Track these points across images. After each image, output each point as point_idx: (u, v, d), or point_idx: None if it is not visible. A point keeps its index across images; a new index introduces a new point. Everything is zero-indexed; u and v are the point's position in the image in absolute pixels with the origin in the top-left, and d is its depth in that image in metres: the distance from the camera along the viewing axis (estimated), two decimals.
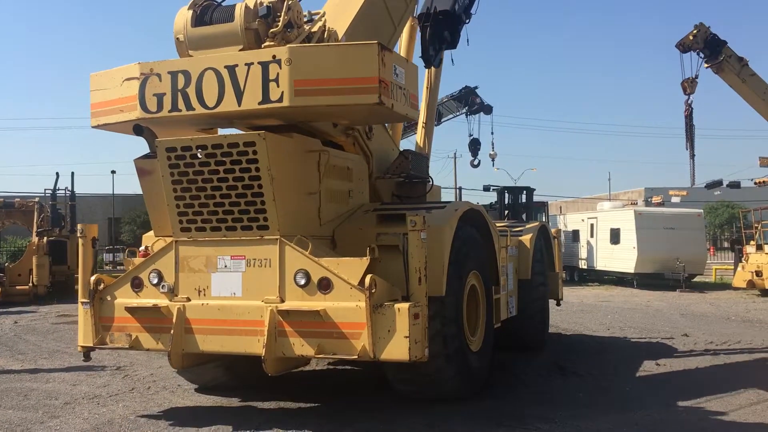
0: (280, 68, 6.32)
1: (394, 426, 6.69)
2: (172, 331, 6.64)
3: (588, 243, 29.23)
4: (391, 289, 6.37)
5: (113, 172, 55.64)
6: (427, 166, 9.69)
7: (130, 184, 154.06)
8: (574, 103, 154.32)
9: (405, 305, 6.11)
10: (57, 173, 27.04)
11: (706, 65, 20.07)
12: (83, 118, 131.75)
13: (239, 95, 6.48)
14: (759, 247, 22.26)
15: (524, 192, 28.48)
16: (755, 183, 44.23)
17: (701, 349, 11.45)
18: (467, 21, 10.58)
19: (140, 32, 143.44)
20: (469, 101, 27.09)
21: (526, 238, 10.82)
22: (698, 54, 20.15)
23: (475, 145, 27.52)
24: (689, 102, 20.46)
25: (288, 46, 6.55)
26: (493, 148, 29.50)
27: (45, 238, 23.13)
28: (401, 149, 9.69)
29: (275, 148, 6.46)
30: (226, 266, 6.71)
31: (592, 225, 29.12)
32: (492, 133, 29.09)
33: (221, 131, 7.71)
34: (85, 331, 7.15)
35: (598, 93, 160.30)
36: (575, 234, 30.53)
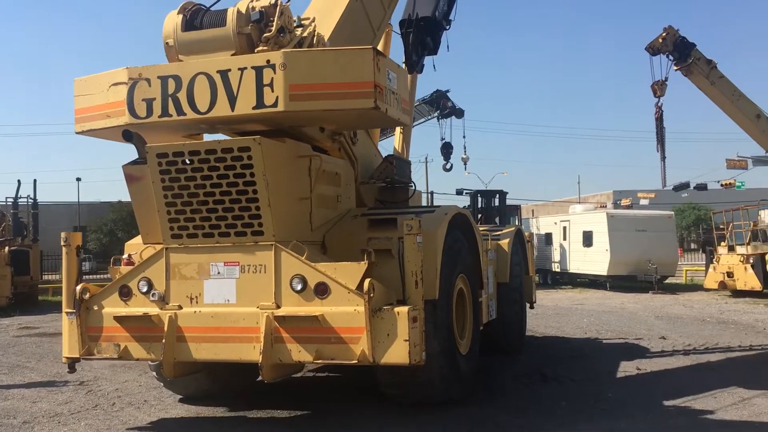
0: (275, 73, 6.29)
1: None
2: (164, 340, 6.49)
3: (561, 246, 29.27)
4: (387, 293, 6.31)
5: (78, 179, 54.33)
6: (409, 171, 9.67)
7: (95, 192, 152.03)
8: (543, 107, 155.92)
9: (404, 309, 6.07)
10: (18, 181, 26.38)
11: (675, 68, 20.17)
12: (46, 125, 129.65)
13: (232, 100, 6.43)
14: (730, 249, 22.43)
15: (497, 195, 28.40)
16: (722, 185, 45.14)
17: (680, 351, 11.37)
18: (447, 27, 10.67)
19: (110, 32, 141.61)
20: (440, 105, 26.98)
21: (504, 242, 10.92)
22: (668, 57, 20.28)
23: (447, 149, 27.41)
24: (659, 105, 20.50)
25: (282, 50, 6.53)
26: (465, 151, 29.47)
27: (6, 248, 22.42)
28: (384, 155, 9.62)
29: (270, 154, 6.41)
30: (219, 273, 6.59)
31: (564, 228, 29.17)
32: (464, 137, 29.09)
33: (206, 137, 7.55)
34: (71, 341, 6.92)
35: (565, 97, 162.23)
36: (548, 237, 30.55)
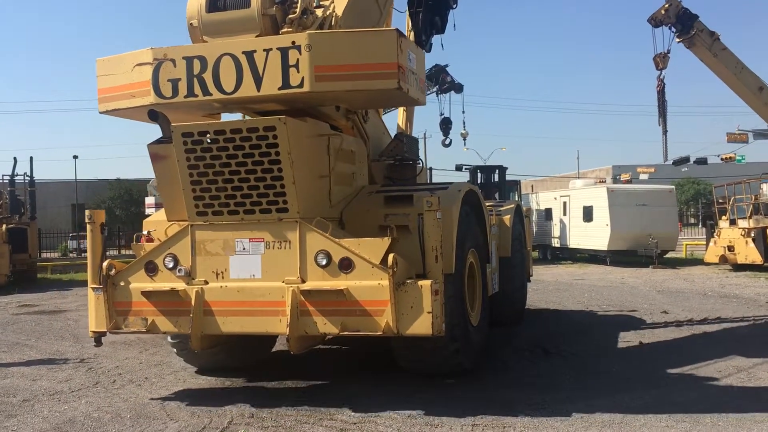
0: (300, 54, 6.44)
1: (377, 419, 6.38)
2: (191, 314, 6.68)
3: (561, 221, 29.20)
4: (408, 267, 6.47)
5: (75, 157, 53.94)
6: (417, 149, 9.77)
7: (93, 170, 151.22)
8: (541, 82, 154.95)
9: (427, 282, 6.26)
10: (15, 158, 26.41)
11: (677, 40, 19.89)
12: (42, 102, 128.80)
13: (258, 81, 6.58)
14: (732, 222, 22.35)
15: (497, 171, 28.25)
16: (722, 159, 44.96)
17: (682, 324, 11.34)
18: (454, 6, 10.76)
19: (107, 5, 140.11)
20: (439, 80, 26.63)
21: (506, 218, 11.11)
22: (670, 28, 20.03)
23: (446, 124, 27.10)
24: (661, 77, 20.27)
25: (308, 32, 6.68)
26: (464, 127, 29.20)
27: (4, 226, 22.29)
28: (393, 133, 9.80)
29: (294, 133, 6.53)
30: (244, 249, 6.78)
31: (564, 203, 29.07)
32: (463, 112, 28.79)
33: (224, 117, 7.73)
34: (98, 316, 7.10)
35: (564, 71, 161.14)
36: (548, 212, 30.47)
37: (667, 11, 19.58)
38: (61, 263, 32.16)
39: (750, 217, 21.65)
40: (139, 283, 7.02)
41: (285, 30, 6.94)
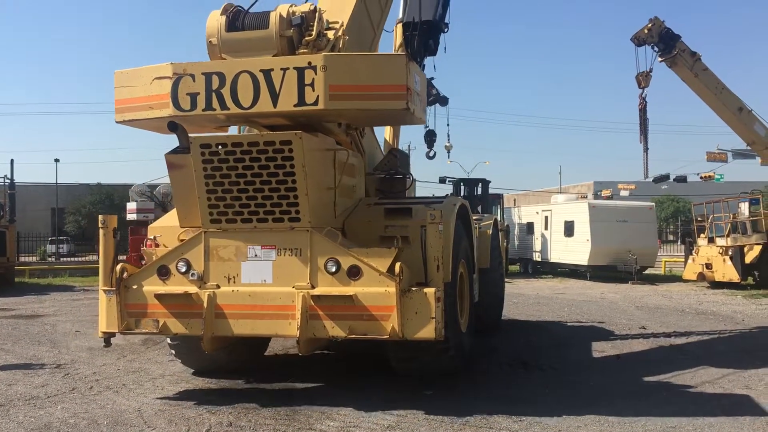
0: (316, 74, 6.86)
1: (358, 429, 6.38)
2: (203, 317, 6.93)
3: (542, 235, 29.36)
4: (411, 275, 6.86)
5: (56, 160, 53.32)
6: (408, 164, 10.13)
7: (73, 174, 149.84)
8: (525, 97, 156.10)
9: (431, 290, 6.66)
10: None
11: (660, 59, 20.26)
12: (23, 104, 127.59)
13: (275, 97, 6.98)
14: (710, 240, 22.60)
15: (480, 184, 28.39)
16: (701, 177, 45.55)
17: (660, 340, 11.44)
18: (446, 30, 11.24)
19: (86, 11, 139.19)
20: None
21: (487, 231, 11.52)
22: (653, 48, 20.34)
23: (430, 137, 27.13)
24: (643, 96, 20.62)
25: (323, 54, 7.14)
26: (448, 139, 29.30)
27: None
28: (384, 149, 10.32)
29: (308, 147, 6.86)
30: (256, 255, 7.08)
31: (546, 217, 29.26)
32: (448, 125, 28.89)
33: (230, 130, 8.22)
34: (109, 317, 7.31)
35: (548, 87, 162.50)
36: (530, 226, 30.64)
37: (650, 31, 19.96)
38: (40, 267, 31.84)
39: (728, 236, 21.91)
40: (152, 286, 7.23)
41: (302, 51, 7.40)
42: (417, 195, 11.68)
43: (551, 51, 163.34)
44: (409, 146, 57.52)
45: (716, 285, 21.97)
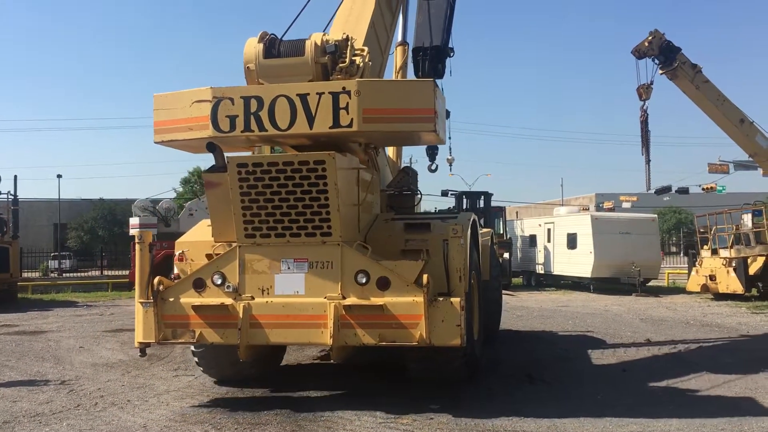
0: (350, 98, 7.34)
1: None
2: (239, 327, 7.29)
3: (545, 248, 29.34)
4: (436, 286, 7.20)
5: (59, 176, 53.30)
6: (416, 181, 10.50)
7: (76, 189, 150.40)
8: (527, 110, 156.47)
9: (457, 299, 7.14)
10: None
11: (660, 72, 20.30)
12: (27, 120, 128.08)
13: (311, 120, 7.41)
14: (714, 252, 22.56)
15: (482, 197, 28.43)
16: (703, 189, 45.52)
17: (665, 353, 11.40)
18: (452, 55, 11.65)
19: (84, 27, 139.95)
20: None
21: (487, 244, 11.79)
22: (653, 60, 20.39)
23: (432, 150, 27.29)
24: (645, 108, 20.65)
25: (357, 79, 7.65)
26: (450, 152, 29.40)
27: None
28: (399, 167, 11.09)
29: (339, 166, 7.27)
30: (289, 268, 7.47)
31: (549, 230, 29.24)
32: (449, 138, 28.96)
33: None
34: (146, 328, 7.61)
35: (549, 99, 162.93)
36: (532, 239, 30.63)
37: (651, 43, 19.99)
38: (42, 283, 31.83)
39: (731, 247, 21.88)
40: (189, 298, 7.56)
41: (336, 77, 7.88)
42: (441, 211, 12.18)
43: (552, 63, 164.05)
44: (410, 159, 57.81)
45: (720, 297, 21.91)
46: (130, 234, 32.12)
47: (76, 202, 57.81)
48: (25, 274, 31.79)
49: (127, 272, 31.35)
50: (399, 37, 12.62)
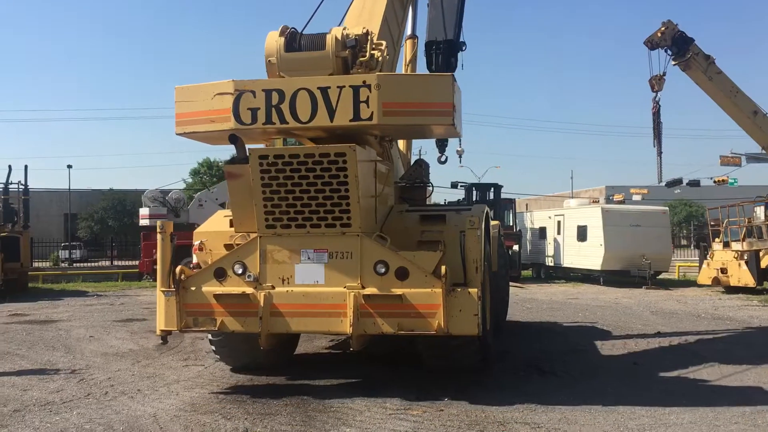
0: (370, 92, 7.41)
1: None
2: (259, 315, 7.43)
3: (555, 240, 29.23)
4: (452, 276, 7.30)
5: (69, 166, 53.32)
6: (428, 173, 10.60)
7: (86, 180, 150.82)
8: (536, 102, 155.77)
9: (474, 289, 7.26)
10: (10, 166, 26.18)
11: (673, 63, 20.10)
12: (38, 110, 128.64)
13: (331, 113, 7.50)
14: (725, 245, 22.40)
15: (492, 189, 28.33)
16: (714, 182, 45.22)
17: (676, 345, 11.33)
18: (464, 49, 11.76)
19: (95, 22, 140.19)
20: None
21: (495, 235, 11.59)
22: (666, 51, 20.19)
23: (442, 141, 27.24)
24: (657, 99, 20.46)
25: (377, 73, 7.75)
26: (460, 144, 29.32)
27: None
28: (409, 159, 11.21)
29: (359, 158, 7.34)
30: (309, 258, 7.58)
31: (559, 222, 29.11)
32: None
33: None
34: (167, 316, 7.74)
35: (559, 91, 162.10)
36: (542, 231, 30.51)
37: (664, 34, 19.78)
38: (53, 273, 32.00)
39: (743, 240, 21.70)
40: (211, 287, 7.68)
41: (356, 70, 8.03)
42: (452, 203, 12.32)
43: (562, 55, 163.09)
44: (419, 151, 57.71)
45: (731, 290, 21.77)
46: (140, 224, 32.27)
47: (86, 192, 57.98)
48: (35, 264, 31.99)
49: (137, 262, 31.47)
50: (408, 30, 12.72)
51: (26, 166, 27.68)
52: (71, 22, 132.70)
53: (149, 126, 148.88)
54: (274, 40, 8.15)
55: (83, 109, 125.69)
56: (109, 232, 52.13)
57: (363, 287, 7.39)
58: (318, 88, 7.52)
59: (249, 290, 7.55)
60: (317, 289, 7.48)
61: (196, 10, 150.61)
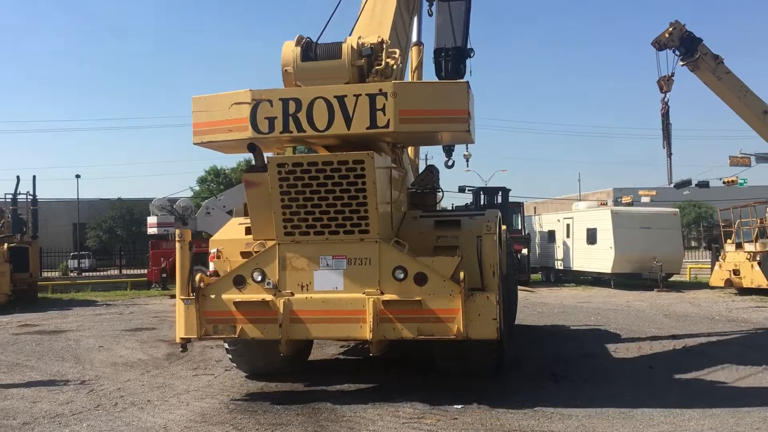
0: (387, 100, 7.46)
1: None
2: (279, 322, 7.46)
3: (564, 243, 29.05)
4: (469, 281, 7.33)
5: (78, 176, 53.57)
6: (439, 179, 10.65)
7: (95, 189, 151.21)
8: (543, 105, 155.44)
9: (492, 294, 7.33)
10: (18, 177, 26.16)
11: (681, 63, 19.96)
12: (45, 121, 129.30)
13: (348, 121, 7.55)
14: (738, 246, 22.19)
15: (500, 192, 28.21)
16: (724, 182, 44.91)
17: (692, 349, 11.18)
18: (472, 55, 11.83)
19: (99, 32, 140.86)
20: None
21: (503, 239, 11.37)
22: (674, 52, 20.06)
23: (449, 146, 27.20)
24: (665, 100, 20.31)
25: (393, 82, 7.89)
26: (467, 148, 29.23)
27: (5, 245, 22.19)
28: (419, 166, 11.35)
29: (377, 165, 7.40)
30: (327, 264, 7.61)
31: (568, 225, 28.94)
32: None
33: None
34: (187, 324, 7.79)
35: (565, 94, 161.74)
36: (551, 234, 30.34)
37: (671, 34, 19.65)
38: (62, 282, 32.03)
39: (756, 241, 21.50)
40: (230, 294, 7.72)
41: (371, 79, 8.15)
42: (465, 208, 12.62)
43: (570, 58, 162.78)
44: (426, 156, 57.62)
45: (744, 291, 21.55)
46: (148, 233, 32.26)
47: (94, 201, 58.18)
48: (45, 274, 32.03)
49: (146, 271, 31.46)
50: (414, 37, 12.73)
51: (34, 177, 27.89)
52: (77, 28, 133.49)
53: (156, 135, 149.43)
54: (290, 50, 8.24)
55: (91, 119, 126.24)
56: (118, 241, 52.28)
57: (382, 293, 7.42)
58: (335, 96, 7.57)
59: (268, 297, 7.58)
60: (336, 296, 7.52)
61: (209, 18, 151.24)
